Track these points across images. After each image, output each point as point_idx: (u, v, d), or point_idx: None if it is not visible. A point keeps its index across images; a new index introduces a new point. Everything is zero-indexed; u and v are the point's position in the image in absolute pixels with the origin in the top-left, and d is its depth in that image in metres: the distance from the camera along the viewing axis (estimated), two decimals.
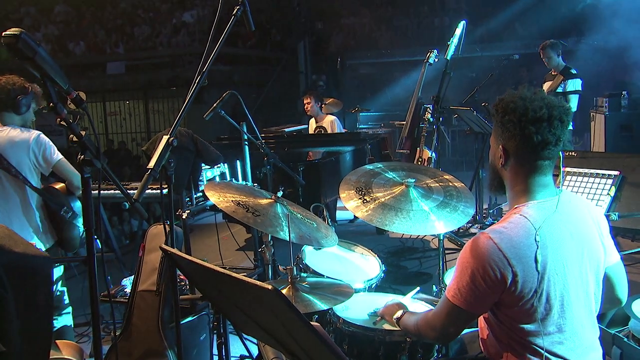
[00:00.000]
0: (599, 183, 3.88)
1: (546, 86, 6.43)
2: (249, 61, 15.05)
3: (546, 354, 1.77)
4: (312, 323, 1.31)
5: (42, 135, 3.41)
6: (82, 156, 1.75)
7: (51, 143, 3.44)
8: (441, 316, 1.88)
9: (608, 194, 3.72)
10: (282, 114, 12.30)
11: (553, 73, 6.44)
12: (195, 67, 2.26)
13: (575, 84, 6.23)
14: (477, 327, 2.06)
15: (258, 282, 1.29)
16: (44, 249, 3.49)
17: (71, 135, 1.74)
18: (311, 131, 7.08)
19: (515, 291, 1.72)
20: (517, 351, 1.81)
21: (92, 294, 1.79)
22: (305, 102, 6.92)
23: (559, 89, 6.22)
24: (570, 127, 6.33)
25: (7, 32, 1.50)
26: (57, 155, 3.44)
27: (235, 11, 2.31)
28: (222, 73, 13.09)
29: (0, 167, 3.28)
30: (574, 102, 6.20)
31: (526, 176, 1.84)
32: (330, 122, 6.87)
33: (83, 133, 1.74)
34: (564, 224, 1.80)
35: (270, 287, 1.26)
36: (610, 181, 3.91)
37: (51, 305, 1.79)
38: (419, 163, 5.55)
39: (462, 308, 1.79)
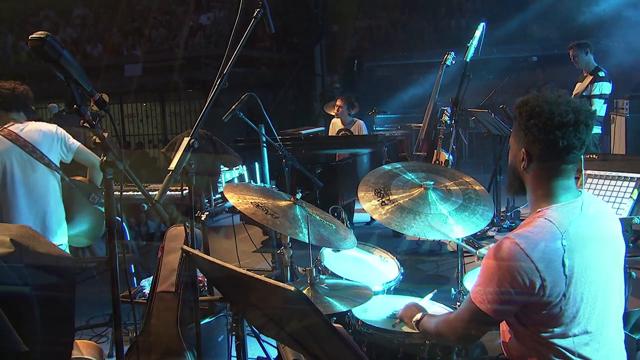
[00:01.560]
0: (621, 186, 3.81)
1: (576, 87, 6.27)
2: (265, 63, 15.07)
3: (572, 356, 1.74)
4: (334, 325, 1.31)
5: (58, 127, 3.66)
6: (104, 157, 1.76)
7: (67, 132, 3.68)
8: (464, 319, 1.86)
9: (630, 197, 3.64)
10: (298, 117, 12.29)
11: (584, 74, 6.23)
12: (212, 69, 2.28)
13: (601, 88, 5.98)
14: (495, 328, 2.04)
15: (281, 284, 1.30)
16: (86, 229, 3.81)
17: (93, 137, 1.76)
18: (333, 131, 7.05)
19: (543, 296, 1.69)
20: (542, 354, 1.78)
21: (113, 295, 1.80)
22: (337, 103, 6.93)
23: (585, 92, 6.02)
24: (599, 131, 6.20)
25: (34, 35, 1.53)
26: (75, 143, 3.67)
27: (255, 13, 2.31)
28: (238, 75, 13.09)
29: (35, 158, 3.47)
30: (597, 106, 5.90)
31: (549, 180, 1.82)
32: (359, 128, 6.91)
33: (105, 135, 1.76)
34: (589, 225, 1.78)
35: (293, 288, 1.26)
36: (632, 184, 3.83)
37: (74, 305, 1.80)
38: None
39: (487, 313, 1.77)
